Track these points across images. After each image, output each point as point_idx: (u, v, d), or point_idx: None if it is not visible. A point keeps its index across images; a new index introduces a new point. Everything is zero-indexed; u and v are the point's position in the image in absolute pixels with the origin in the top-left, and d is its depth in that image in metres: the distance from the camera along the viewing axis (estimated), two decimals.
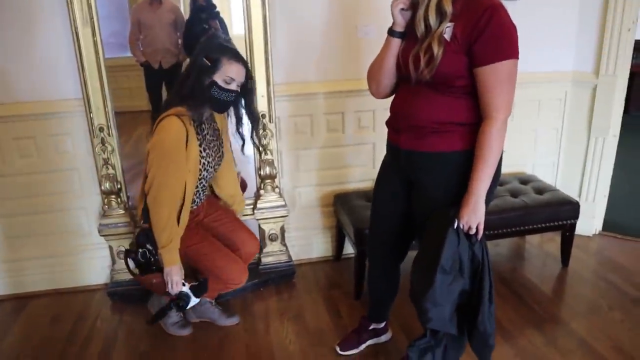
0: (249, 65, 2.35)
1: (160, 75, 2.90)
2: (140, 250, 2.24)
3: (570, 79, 3.17)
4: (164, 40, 2.89)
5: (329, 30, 2.77)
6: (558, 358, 2.27)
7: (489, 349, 1.87)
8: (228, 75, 2.13)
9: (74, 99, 2.60)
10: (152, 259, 2.23)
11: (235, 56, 2.16)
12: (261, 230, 2.87)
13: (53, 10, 2.47)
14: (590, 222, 3.33)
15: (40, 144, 2.68)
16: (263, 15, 2.54)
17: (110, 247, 2.77)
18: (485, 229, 1.76)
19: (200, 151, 2.25)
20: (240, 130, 2.38)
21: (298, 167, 2.98)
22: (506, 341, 2.39)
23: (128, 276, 2.78)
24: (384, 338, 2.40)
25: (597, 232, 3.40)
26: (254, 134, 2.52)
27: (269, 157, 2.77)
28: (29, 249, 2.85)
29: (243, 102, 2.32)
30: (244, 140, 2.41)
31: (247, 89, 2.27)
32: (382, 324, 2.38)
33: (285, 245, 2.97)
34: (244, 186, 2.75)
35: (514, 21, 1.63)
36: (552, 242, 3.23)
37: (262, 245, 2.87)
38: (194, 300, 2.25)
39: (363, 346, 2.36)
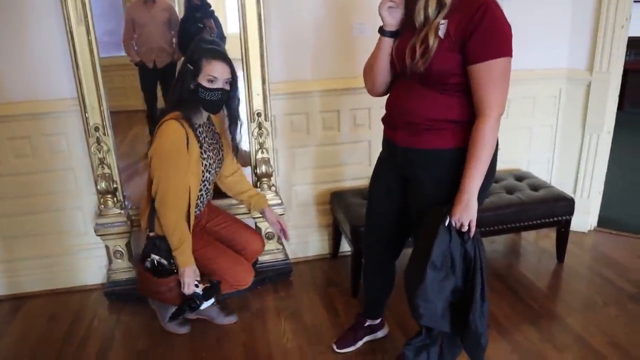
0: (244, 60, 2.41)
1: (154, 75, 2.89)
2: (148, 259, 2.28)
3: (565, 76, 3.18)
4: (158, 39, 2.89)
5: (324, 28, 2.78)
6: (554, 353, 2.29)
7: (481, 349, 1.87)
8: (210, 74, 2.15)
9: (69, 98, 2.59)
10: (161, 268, 2.27)
11: (214, 55, 2.17)
12: (257, 229, 2.87)
13: (47, 9, 2.46)
14: (585, 218, 3.35)
15: (36, 144, 2.67)
16: (258, 13, 2.54)
17: (107, 247, 2.77)
18: (480, 225, 1.77)
19: (201, 153, 2.26)
20: (230, 129, 2.38)
21: (294, 166, 2.98)
22: (502, 337, 2.40)
23: (125, 275, 2.80)
24: (380, 334, 2.41)
25: (592, 228, 3.42)
26: (234, 133, 2.43)
27: (264, 155, 2.77)
28: (25, 249, 2.84)
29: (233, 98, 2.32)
30: (232, 141, 2.41)
31: (234, 86, 2.27)
32: (378, 320, 2.39)
33: (281, 243, 2.97)
34: None
35: (509, 19, 1.63)
36: (547, 238, 3.25)
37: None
38: (206, 303, 2.27)
39: (360, 343, 2.36)
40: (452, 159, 1.74)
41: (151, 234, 2.31)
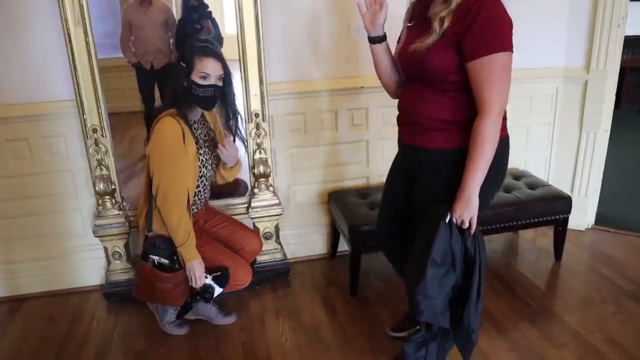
0: (242, 61, 2.46)
1: (152, 76, 2.90)
2: (148, 259, 2.31)
3: (562, 74, 3.19)
4: (155, 40, 2.89)
5: (321, 29, 2.78)
6: (552, 351, 2.30)
7: (470, 345, 1.88)
8: (202, 71, 2.17)
9: (67, 100, 2.60)
10: (162, 266, 2.29)
11: (205, 52, 2.20)
12: (256, 229, 2.87)
13: (44, 11, 2.46)
14: (582, 216, 3.36)
15: (34, 146, 2.67)
16: (255, 14, 2.54)
17: (105, 248, 2.77)
18: (479, 224, 1.78)
19: (198, 149, 2.28)
20: (230, 124, 2.40)
21: (292, 166, 2.99)
22: (500, 335, 2.41)
23: (123, 277, 2.80)
24: None
25: (589, 227, 3.42)
26: (235, 127, 2.45)
27: (262, 155, 2.78)
28: (23, 251, 2.84)
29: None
30: (233, 135, 2.42)
31: (227, 82, 2.29)
32: None
33: (280, 243, 2.98)
34: (239, 185, 2.76)
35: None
36: (545, 236, 3.25)
37: None
38: (218, 290, 2.31)
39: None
40: (453, 159, 1.74)
41: (150, 234, 2.32)
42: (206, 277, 2.29)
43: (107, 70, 2.59)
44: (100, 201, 2.70)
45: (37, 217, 2.80)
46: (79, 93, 2.51)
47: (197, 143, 2.28)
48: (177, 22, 2.88)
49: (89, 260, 2.90)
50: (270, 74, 2.71)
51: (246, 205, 2.85)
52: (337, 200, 2.88)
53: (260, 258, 2.88)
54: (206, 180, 2.41)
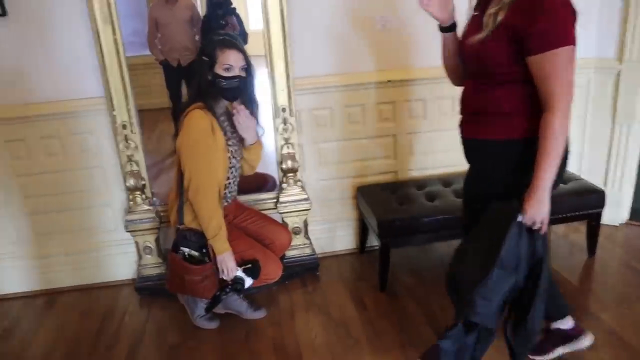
0: (268, 56, 2.48)
1: (179, 73, 2.93)
2: (178, 252, 2.33)
3: (593, 65, 3.11)
4: (181, 37, 2.92)
5: (347, 22, 2.76)
6: (589, 352, 2.20)
7: (529, 347, 1.84)
8: (225, 63, 2.20)
9: (97, 97, 2.63)
10: (193, 259, 2.32)
11: (226, 44, 2.22)
12: (284, 224, 2.87)
13: (73, 10, 2.49)
14: (616, 211, 3.27)
15: (65, 143, 2.72)
16: (280, 9, 2.54)
17: (137, 243, 2.81)
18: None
19: (226, 140, 2.30)
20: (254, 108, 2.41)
21: (320, 160, 2.98)
22: None
23: (155, 271, 2.84)
24: (584, 343, 2.14)
25: (624, 221, 3.34)
26: (254, 114, 2.44)
27: (290, 150, 2.78)
28: (57, 246, 2.90)
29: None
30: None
31: (250, 72, 2.30)
32: (570, 323, 2.13)
33: (308, 238, 2.98)
34: (267, 181, 2.77)
35: None
36: (577, 232, 3.18)
37: None
38: (249, 282, 2.34)
39: (550, 355, 2.14)
40: (507, 152, 1.71)
41: (181, 227, 2.34)
42: (237, 269, 2.32)
43: (136, 67, 2.62)
44: (130, 196, 2.74)
45: (69, 212, 2.85)
46: (108, 90, 2.55)
47: (225, 135, 2.30)
48: (202, 18, 2.90)
49: (120, 255, 2.94)
50: (297, 69, 2.71)
51: (274, 200, 2.86)
52: (365, 195, 2.87)
53: (289, 253, 2.88)
54: (235, 171, 2.43)
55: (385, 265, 2.68)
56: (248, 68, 2.27)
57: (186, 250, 2.32)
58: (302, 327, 2.51)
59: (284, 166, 2.79)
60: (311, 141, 2.93)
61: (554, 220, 2.80)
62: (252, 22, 2.84)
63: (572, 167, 3.24)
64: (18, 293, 2.92)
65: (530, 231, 1.69)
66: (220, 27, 2.82)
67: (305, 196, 2.85)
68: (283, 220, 2.88)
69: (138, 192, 2.73)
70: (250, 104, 2.37)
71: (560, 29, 1.56)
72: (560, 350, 2.14)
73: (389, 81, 2.85)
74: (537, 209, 1.65)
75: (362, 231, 3.08)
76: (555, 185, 1.74)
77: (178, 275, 2.36)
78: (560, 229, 3.29)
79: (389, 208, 2.68)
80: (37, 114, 2.63)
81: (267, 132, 2.60)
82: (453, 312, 1.93)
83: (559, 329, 2.14)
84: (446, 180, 2.95)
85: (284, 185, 2.83)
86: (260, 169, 2.65)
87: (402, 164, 3.06)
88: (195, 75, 2.28)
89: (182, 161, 2.25)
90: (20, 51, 2.55)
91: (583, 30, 3.01)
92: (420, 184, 2.94)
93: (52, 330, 2.62)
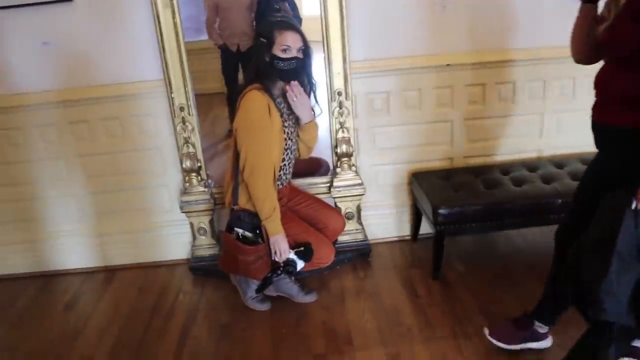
0: (324, 40, 2.48)
1: (237, 58, 2.93)
2: (233, 232, 2.37)
3: None
4: (241, 22, 2.92)
5: (406, 4, 2.68)
6: None
7: None
8: (283, 44, 2.21)
9: (156, 80, 2.68)
10: (246, 239, 2.35)
11: (285, 25, 2.23)
12: (337, 209, 2.85)
13: None
14: None
15: (125, 124, 2.79)
16: None
17: (191, 224, 2.86)
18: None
19: (282, 122, 2.30)
20: (308, 93, 2.41)
21: (375, 145, 2.93)
22: None
23: (208, 252, 2.88)
24: (544, 344, 2.12)
25: None
26: (313, 95, 2.47)
27: (345, 134, 2.75)
28: (115, 224, 2.99)
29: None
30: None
31: (307, 53, 2.30)
32: (547, 328, 2.10)
33: (361, 224, 2.95)
34: (321, 165, 2.76)
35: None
36: None
37: None
38: (301, 265, 2.36)
39: (517, 346, 2.11)
40: (632, 138, 1.62)
41: (235, 208, 2.36)
42: (289, 252, 2.32)
43: (190, 52, 2.64)
44: (186, 178, 2.78)
45: (128, 192, 2.93)
46: (167, 73, 2.59)
47: (281, 116, 2.30)
48: (257, 3, 2.90)
49: (175, 235, 3.01)
50: (353, 52, 2.66)
51: (328, 184, 2.84)
52: (420, 181, 2.80)
53: (342, 238, 2.87)
54: (291, 153, 2.43)
55: (439, 253, 2.62)
56: (306, 50, 2.27)
57: (240, 230, 2.34)
58: (352, 313, 2.49)
59: (338, 150, 2.77)
60: (366, 126, 2.88)
61: None
62: (306, 7, 2.81)
63: None
64: (78, 269, 3.03)
65: None
66: (274, 12, 2.81)
67: (359, 181, 2.82)
68: (336, 205, 2.86)
69: (194, 174, 2.77)
70: (308, 85, 2.36)
71: None
72: None
73: (448, 65, 2.77)
74: None
75: (416, 218, 3.02)
76: None
77: (231, 255, 2.38)
78: None
79: (445, 195, 2.61)
80: (99, 96, 2.71)
81: (322, 116, 2.58)
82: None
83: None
84: (505, 169, 2.85)
85: (338, 170, 2.81)
86: (314, 153, 2.64)
87: (458, 150, 2.97)
88: (252, 57, 2.29)
89: (238, 141, 2.27)
90: (85, 36, 2.62)
91: None
92: (477, 171, 2.85)
93: (110, 305, 2.72)
